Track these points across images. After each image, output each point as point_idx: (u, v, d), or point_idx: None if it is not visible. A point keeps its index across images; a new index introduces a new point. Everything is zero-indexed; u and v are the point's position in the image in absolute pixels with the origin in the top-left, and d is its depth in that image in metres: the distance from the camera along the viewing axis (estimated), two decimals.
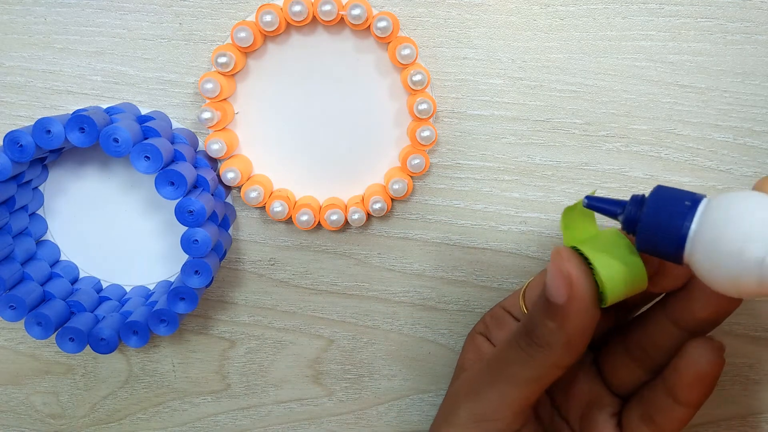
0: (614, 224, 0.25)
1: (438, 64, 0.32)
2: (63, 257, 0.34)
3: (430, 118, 0.30)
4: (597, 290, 0.23)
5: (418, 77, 0.30)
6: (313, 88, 0.32)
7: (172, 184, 0.29)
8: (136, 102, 0.33)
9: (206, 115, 0.30)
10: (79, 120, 0.28)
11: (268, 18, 0.29)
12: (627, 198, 0.23)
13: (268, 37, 0.31)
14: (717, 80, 0.31)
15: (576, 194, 0.33)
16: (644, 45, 0.31)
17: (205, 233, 0.29)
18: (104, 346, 0.31)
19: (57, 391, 0.37)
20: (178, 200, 0.29)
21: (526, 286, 0.29)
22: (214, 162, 0.32)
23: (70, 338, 0.31)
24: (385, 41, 0.30)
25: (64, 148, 0.31)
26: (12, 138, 0.28)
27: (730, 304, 0.24)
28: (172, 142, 0.30)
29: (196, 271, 0.30)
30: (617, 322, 0.28)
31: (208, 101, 0.31)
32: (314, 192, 0.33)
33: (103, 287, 0.35)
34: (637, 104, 0.32)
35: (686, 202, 0.21)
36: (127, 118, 0.29)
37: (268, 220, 0.34)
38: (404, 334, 0.35)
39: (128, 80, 0.33)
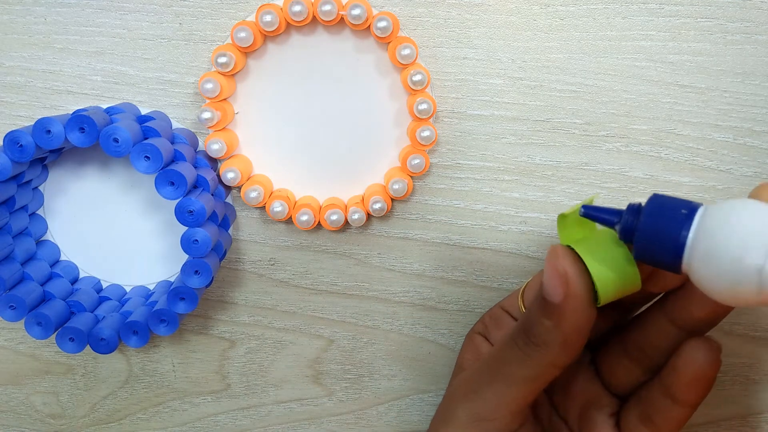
0: None
1: (438, 64, 0.32)
2: (63, 257, 0.34)
3: (430, 118, 0.30)
4: (593, 289, 0.23)
5: (418, 77, 0.30)
6: (313, 88, 0.32)
7: (172, 184, 0.29)
8: (136, 102, 0.33)
9: (206, 115, 0.30)
10: (79, 120, 0.28)
11: (268, 18, 0.29)
12: (625, 203, 0.23)
13: (268, 37, 0.31)
14: (717, 80, 0.31)
15: (576, 194, 0.33)
16: (644, 45, 0.31)
17: (205, 233, 0.29)
18: (104, 346, 0.31)
19: (57, 391, 0.37)
20: (178, 200, 0.29)
21: (525, 286, 0.29)
22: (214, 162, 0.32)
23: (70, 338, 0.31)
24: (385, 41, 0.30)
25: (64, 148, 0.31)
26: (12, 138, 0.28)
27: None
28: (172, 142, 0.30)
29: (196, 271, 0.30)
30: (616, 322, 0.28)
31: (208, 101, 0.31)
32: (314, 192, 0.33)
33: (103, 287, 0.35)
34: (637, 104, 0.32)
35: (683, 211, 0.21)
36: (127, 118, 0.29)
37: (268, 220, 0.34)
38: (404, 334, 0.35)
39: (128, 80, 0.33)
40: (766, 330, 0.34)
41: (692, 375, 0.23)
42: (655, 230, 0.21)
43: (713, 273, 0.20)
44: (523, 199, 0.33)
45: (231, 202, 0.34)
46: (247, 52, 0.31)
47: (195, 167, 0.30)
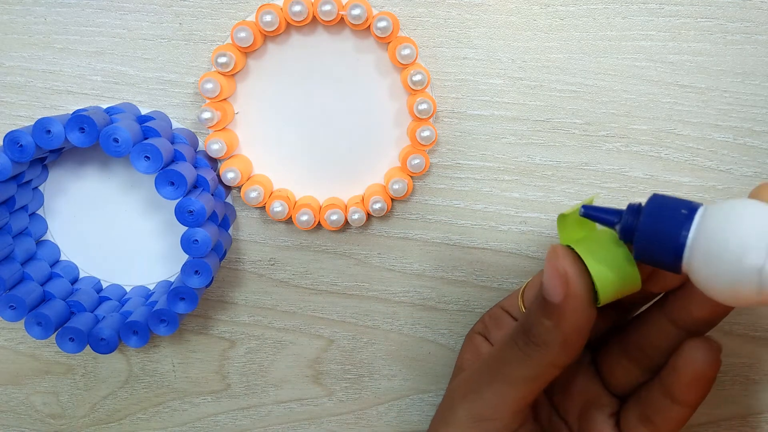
0: None
1: (438, 64, 0.32)
2: (63, 257, 0.34)
3: (430, 118, 0.30)
4: (593, 289, 0.23)
5: (418, 77, 0.30)
6: (313, 88, 0.32)
7: (172, 184, 0.29)
8: (136, 102, 0.33)
9: (206, 115, 0.30)
10: (79, 120, 0.28)
11: (268, 18, 0.29)
12: (625, 203, 0.23)
13: (268, 37, 0.31)
14: (717, 80, 0.31)
15: (576, 194, 0.33)
16: (644, 45, 0.31)
17: (205, 233, 0.29)
18: (104, 346, 0.31)
19: (57, 391, 0.37)
20: (178, 200, 0.29)
21: (525, 286, 0.29)
22: (214, 162, 0.32)
23: (70, 338, 0.31)
24: (385, 41, 0.30)
25: (64, 148, 0.31)
26: (12, 138, 0.28)
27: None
28: (172, 142, 0.30)
29: (196, 271, 0.30)
30: (615, 322, 0.28)
31: (208, 101, 0.31)
32: (314, 192, 0.33)
33: (103, 287, 0.35)
34: (637, 104, 0.32)
35: (683, 211, 0.21)
36: (127, 118, 0.29)
37: (268, 220, 0.34)
38: (404, 334, 0.35)
39: (128, 80, 0.33)
40: (766, 330, 0.34)
41: (692, 375, 0.23)
42: (655, 230, 0.21)
43: (713, 273, 0.20)
44: (523, 199, 0.33)
45: (231, 202, 0.34)
46: (247, 52, 0.31)
47: (195, 167, 0.30)
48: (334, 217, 0.32)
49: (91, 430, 0.38)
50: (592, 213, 0.23)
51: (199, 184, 0.30)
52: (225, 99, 0.32)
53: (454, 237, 0.34)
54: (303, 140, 0.33)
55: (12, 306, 0.30)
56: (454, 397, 0.27)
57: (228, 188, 0.33)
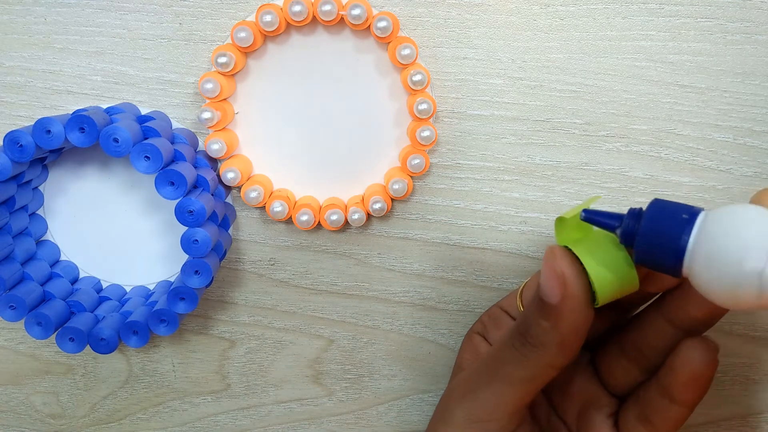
0: None
1: (438, 64, 0.32)
2: (63, 257, 0.34)
3: (430, 118, 0.30)
4: (590, 290, 0.23)
5: (418, 77, 0.30)
6: (313, 88, 0.32)
7: (172, 184, 0.29)
8: (136, 102, 0.33)
9: (206, 115, 0.30)
10: (79, 120, 0.28)
11: (268, 18, 0.29)
12: (625, 203, 0.23)
13: (268, 37, 0.31)
14: (717, 80, 0.31)
15: (576, 194, 0.33)
16: (644, 45, 0.31)
17: (205, 233, 0.29)
18: (104, 346, 0.31)
19: (57, 391, 0.37)
20: (178, 200, 0.29)
21: (524, 286, 0.29)
22: (214, 162, 0.32)
23: (70, 338, 0.31)
24: (385, 41, 0.30)
25: (64, 148, 0.31)
26: (12, 138, 0.28)
27: None
28: (172, 142, 0.30)
29: (196, 271, 0.30)
30: (614, 322, 0.28)
31: (208, 101, 0.31)
32: (314, 192, 0.33)
33: (103, 287, 0.35)
34: (637, 104, 0.32)
35: (684, 215, 0.21)
36: (127, 118, 0.29)
37: (268, 220, 0.34)
38: (404, 334, 0.35)
39: (128, 80, 0.33)
40: (766, 330, 0.34)
41: (689, 375, 0.23)
42: (656, 234, 0.21)
43: (714, 277, 0.20)
44: (523, 199, 0.33)
45: (231, 202, 0.34)
46: (247, 52, 0.31)
47: (195, 167, 0.30)
48: (334, 217, 0.32)
49: (91, 430, 0.38)
50: (592, 217, 0.23)
51: (199, 184, 0.30)
52: (225, 99, 0.32)
53: (454, 237, 0.34)
54: (303, 140, 0.33)
55: (12, 306, 0.30)
56: (452, 397, 0.27)
57: (228, 188, 0.33)
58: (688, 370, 0.23)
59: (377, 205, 0.32)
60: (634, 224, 0.22)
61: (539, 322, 0.23)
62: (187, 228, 0.29)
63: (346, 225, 0.33)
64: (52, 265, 0.33)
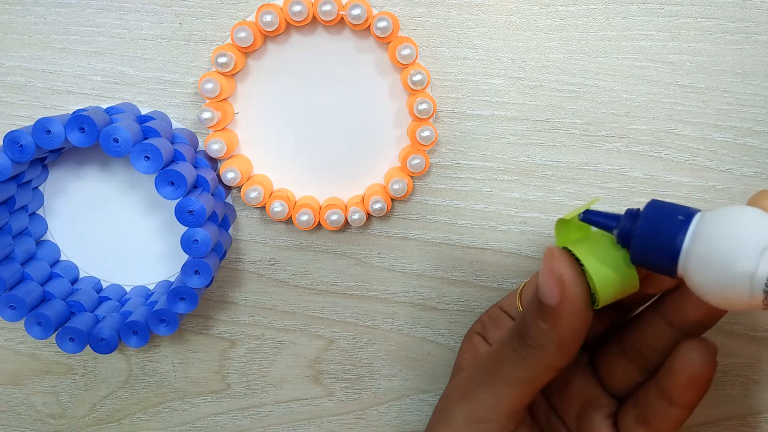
0: None
1: (438, 64, 0.32)
2: (63, 257, 0.34)
3: (430, 118, 0.30)
4: (589, 291, 0.23)
5: (418, 77, 0.30)
6: (313, 88, 0.32)
7: (172, 184, 0.29)
8: (136, 102, 0.33)
9: (206, 115, 0.30)
10: (79, 120, 0.28)
11: (268, 18, 0.29)
12: (625, 203, 0.23)
13: (268, 37, 0.31)
14: (717, 80, 0.31)
15: (576, 194, 0.33)
16: (644, 45, 0.31)
17: (205, 233, 0.29)
18: (104, 346, 0.31)
19: (57, 391, 0.37)
20: (178, 200, 0.29)
21: (523, 286, 0.29)
22: (214, 162, 0.32)
23: (70, 338, 0.31)
24: (385, 41, 0.30)
25: (64, 148, 0.31)
26: (12, 138, 0.28)
27: None
28: (172, 142, 0.30)
29: (196, 271, 0.30)
30: (613, 323, 0.28)
31: (208, 101, 0.31)
32: (314, 192, 0.33)
33: (103, 287, 0.35)
34: (637, 104, 0.32)
35: (680, 217, 0.21)
36: (127, 118, 0.29)
37: (268, 220, 0.34)
38: (404, 334, 0.35)
39: (128, 80, 0.33)
40: (766, 330, 0.34)
41: (688, 376, 0.23)
42: (652, 235, 0.21)
43: (707, 278, 0.20)
44: (523, 199, 0.33)
45: (231, 202, 0.34)
46: (247, 52, 0.31)
47: (195, 167, 0.30)
48: (334, 217, 0.32)
49: (91, 430, 0.38)
50: (591, 218, 0.23)
51: (199, 184, 0.30)
52: (225, 99, 0.32)
53: (454, 237, 0.34)
54: (303, 140, 0.33)
55: (12, 306, 0.30)
56: (452, 398, 0.27)
57: (228, 188, 0.33)
58: (687, 372, 0.23)
59: (377, 205, 0.32)
60: (631, 225, 0.22)
61: (537, 324, 0.23)
62: (187, 228, 0.29)
63: (346, 225, 0.33)
64: (52, 265, 0.33)
